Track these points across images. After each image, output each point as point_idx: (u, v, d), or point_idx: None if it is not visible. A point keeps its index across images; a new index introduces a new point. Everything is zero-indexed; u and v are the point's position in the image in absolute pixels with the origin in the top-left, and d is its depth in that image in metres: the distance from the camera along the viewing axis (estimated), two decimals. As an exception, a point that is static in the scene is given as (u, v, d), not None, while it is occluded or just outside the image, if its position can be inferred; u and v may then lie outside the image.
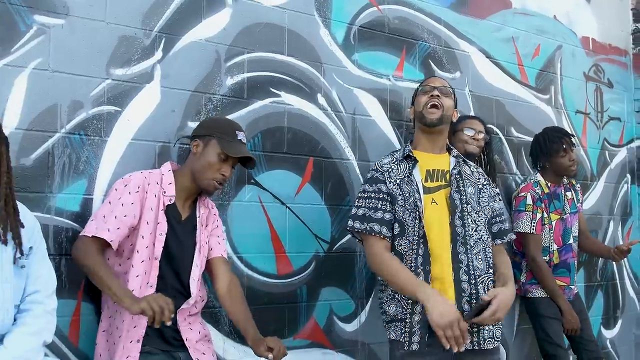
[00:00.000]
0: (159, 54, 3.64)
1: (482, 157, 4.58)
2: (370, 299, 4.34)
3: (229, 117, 3.80)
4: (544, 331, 4.72)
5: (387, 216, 3.41)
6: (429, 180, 3.47)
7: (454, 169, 3.51)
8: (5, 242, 2.70)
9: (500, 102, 5.18)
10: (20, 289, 2.79)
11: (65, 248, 3.28)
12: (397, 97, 4.56)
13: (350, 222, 3.52)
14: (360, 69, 4.41)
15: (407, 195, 3.40)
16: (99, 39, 3.46)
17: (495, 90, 5.16)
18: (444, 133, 3.59)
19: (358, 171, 4.32)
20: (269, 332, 3.85)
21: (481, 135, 4.41)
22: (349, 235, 4.21)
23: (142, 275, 3.13)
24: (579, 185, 5.13)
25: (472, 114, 4.90)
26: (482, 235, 3.45)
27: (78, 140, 3.37)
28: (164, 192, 3.24)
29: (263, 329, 3.81)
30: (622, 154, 6.16)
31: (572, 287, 4.82)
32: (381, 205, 3.42)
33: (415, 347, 3.26)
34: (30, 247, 2.82)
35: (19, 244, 2.74)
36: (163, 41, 3.65)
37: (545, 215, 4.76)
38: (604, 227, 5.90)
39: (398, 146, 4.48)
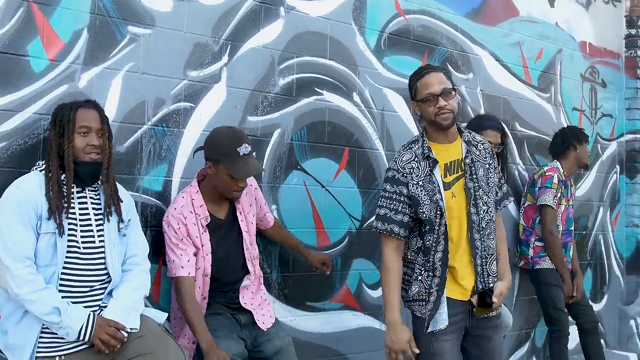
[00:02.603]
0: (225, 58, 4.29)
1: None
2: (393, 270, 5.00)
3: (282, 112, 4.50)
4: (550, 298, 5.36)
5: (406, 218, 3.47)
6: (447, 175, 3.51)
7: (466, 157, 3.54)
8: (111, 215, 3.38)
9: (507, 100, 5.84)
10: (122, 253, 3.48)
11: (150, 221, 3.96)
12: (419, 96, 5.20)
13: (374, 223, 3.58)
14: (389, 71, 5.06)
15: (429, 193, 3.44)
16: (178, 46, 4.11)
17: (503, 89, 5.82)
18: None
19: (385, 160, 4.98)
20: (309, 296, 4.57)
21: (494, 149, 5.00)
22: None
23: (199, 292, 3.78)
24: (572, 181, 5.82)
25: (482, 111, 5.56)
26: (492, 216, 3.58)
27: (161, 131, 4.03)
28: (199, 216, 3.77)
29: (305, 293, 4.53)
30: (612, 147, 6.84)
31: (566, 264, 5.48)
32: (402, 207, 3.46)
33: (442, 325, 3.49)
34: (129, 219, 3.52)
35: (119, 214, 3.41)
36: (229, 47, 4.30)
37: (562, 196, 5.44)
38: (595, 212, 6.58)
39: (419, 138, 5.12)
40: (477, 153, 3.62)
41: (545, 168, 5.49)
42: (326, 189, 4.68)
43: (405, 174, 3.47)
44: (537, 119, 5.97)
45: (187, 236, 3.72)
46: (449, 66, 5.41)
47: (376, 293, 4.92)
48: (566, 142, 5.60)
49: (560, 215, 5.42)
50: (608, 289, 6.72)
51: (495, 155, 3.79)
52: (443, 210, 3.45)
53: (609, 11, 6.93)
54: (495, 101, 5.75)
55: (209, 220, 3.80)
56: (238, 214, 3.92)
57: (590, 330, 5.53)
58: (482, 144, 3.70)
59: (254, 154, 3.86)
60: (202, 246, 3.77)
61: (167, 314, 3.56)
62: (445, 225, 3.47)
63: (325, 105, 4.72)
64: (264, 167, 4.34)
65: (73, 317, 3.14)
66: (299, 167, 4.57)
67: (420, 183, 3.46)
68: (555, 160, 5.58)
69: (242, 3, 4.36)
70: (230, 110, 4.29)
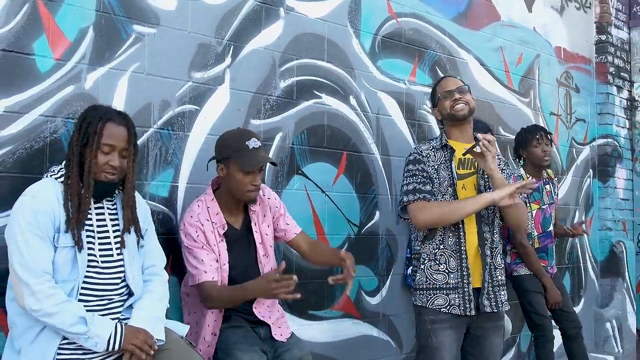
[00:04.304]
0: (228, 59, 4.15)
1: None
2: (390, 276, 4.94)
3: (283, 116, 4.39)
4: (530, 304, 5.31)
5: (433, 190, 3.78)
6: (460, 168, 3.84)
7: None
8: (129, 232, 3.21)
9: (490, 104, 5.85)
10: (141, 263, 3.31)
11: (157, 229, 3.72)
12: (411, 99, 5.17)
13: (405, 199, 3.78)
14: (383, 75, 4.99)
15: (442, 179, 3.78)
16: (183, 46, 3.96)
17: (487, 93, 5.82)
18: (471, 123, 3.96)
19: (381, 164, 4.91)
20: (311, 304, 4.46)
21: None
22: (374, 220, 4.82)
23: None
24: (556, 179, 5.77)
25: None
26: (497, 213, 3.88)
27: (167, 134, 3.86)
28: (215, 224, 3.61)
29: (307, 301, 4.41)
30: (585, 152, 6.94)
31: (549, 268, 5.47)
32: (427, 181, 3.77)
33: (473, 312, 3.71)
34: (146, 229, 3.34)
35: (138, 232, 3.24)
36: (232, 48, 4.16)
37: (528, 204, 5.39)
38: (571, 216, 6.65)
39: (412, 143, 5.09)
40: None
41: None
42: (326, 194, 4.58)
43: (423, 156, 3.86)
44: (519, 124, 5.92)
45: (206, 243, 3.57)
46: (438, 70, 5.38)
47: (374, 300, 4.85)
48: (516, 149, 5.59)
49: (533, 220, 5.41)
50: (585, 293, 6.78)
51: (508, 165, 4.12)
52: (456, 195, 3.77)
53: (581, 17, 7.04)
54: (480, 106, 5.70)
55: (225, 229, 3.65)
56: (253, 224, 3.77)
57: (574, 335, 5.52)
58: (498, 155, 3.94)
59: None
60: (219, 255, 3.62)
61: (188, 326, 3.39)
62: None
63: (325, 109, 4.63)
64: (267, 168, 4.23)
65: (100, 326, 2.95)
66: (300, 172, 4.45)
67: (435, 167, 3.82)
68: (520, 167, 5.56)
69: (244, 3, 4.24)
70: (234, 113, 4.15)
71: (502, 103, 5.96)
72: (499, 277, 3.86)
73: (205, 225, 3.58)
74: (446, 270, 3.74)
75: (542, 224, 5.43)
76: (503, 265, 3.98)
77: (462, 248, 3.77)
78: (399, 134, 5.06)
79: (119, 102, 3.65)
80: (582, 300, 6.74)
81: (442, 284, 3.75)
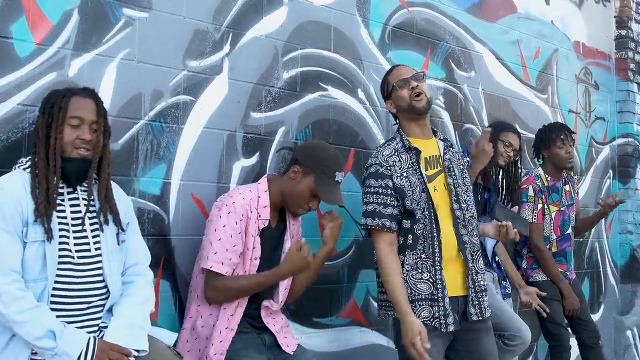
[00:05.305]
0: (227, 47, 3.87)
1: (505, 170, 4.82)
2: (400, 282, 4.63)
3: (286, 109, 4.11)
4: (546, 312, 5.05)
5: (395, 211, 3.45)
6: (428, 169, 3.54)
7: (445, 154, 3.61)
8: (107, 223, 2.91)
9: (507, 100, 5.55)
10: (122, 262, 3.01)
11: (147, 229, 3.50)
12: (422, 94, 4.86)
13: (363, 220, 3.53)
14: (393, 67, 4.70)
15: (413, 186, 3.45)
16: (177, 32, 3.68)
17: (503, 89, 5.53)
18: (428, 117, 3.66)
19: (391, 162, 4.61)
20: (316, 311, 4.17)
21: (513, 153, 4.68)
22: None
23: None
24: (576, 177, 5.48)
25: (484, 112, 5.26)
26: (473, 213, 3.61)
27: (159, 127, 3.58)
28: (259, 216, 3.46)
29: (311, 308, 4.12)
30: (605, 152, 6.64)
31: (568, 273, 5.17)
32: (390, 201, 3.45)
33: (451, 328, 3.40)
34: (127, 223, 3.05)
35: (118, 223, 2.95)
36: (230, 36, 3.89)
37: (546, 206, 5.10)
38: (590, 219, 6.32)
39: (423, 139, 4.80)
40: (453, 152, 3.69)
41: (523, 179, 5.15)
42: (332, 194, 4.28)
43: (388, 167, 3.48)
44: (536, 121, 5.66)
45: (244, 232, 3.39)
46: (451, 63, 5.09)
47: (382, 307, 4.54)
48: (536, 148, 5.29)
49: (552, 222, 5.11)
50: (604, 299, 6.49)
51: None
52: (432, 202, 3.45)
53: (600, 11, 6.76)
54: (496, 101, 5.46)
55: (265, 225, 3.48)
56: (288, 232, 3.63)
57: (591, 345, 5.22)
58: (454, 147, 3.77)
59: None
60: (253, 249, 3.42)
61: (176, 334, 3.11)
62: (437, 217, 3.45)
63: (331, 102, 4.34)
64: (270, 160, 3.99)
65: (70, 342, 2.65)
66: (304, 169, 4.16)
67: (405, 175, 3.47)
68: (538, 166, 5.26)
69: (244, -13, 3.97)
70: (233, 105, 3.88)
71: (519, 99, 5.67)
72: (482, 282, 3.57)
73: (252, 213, 3.43)
74: (430, 279, 3.41)
75: (560, 226, 5.14)
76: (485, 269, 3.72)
77: (439, 257, 3.44)
78: (409, 129, 4.77)
79: (106, 91, 3.38)
80: (602, 307, 6.43)
81: (427, 294, 3.41)
